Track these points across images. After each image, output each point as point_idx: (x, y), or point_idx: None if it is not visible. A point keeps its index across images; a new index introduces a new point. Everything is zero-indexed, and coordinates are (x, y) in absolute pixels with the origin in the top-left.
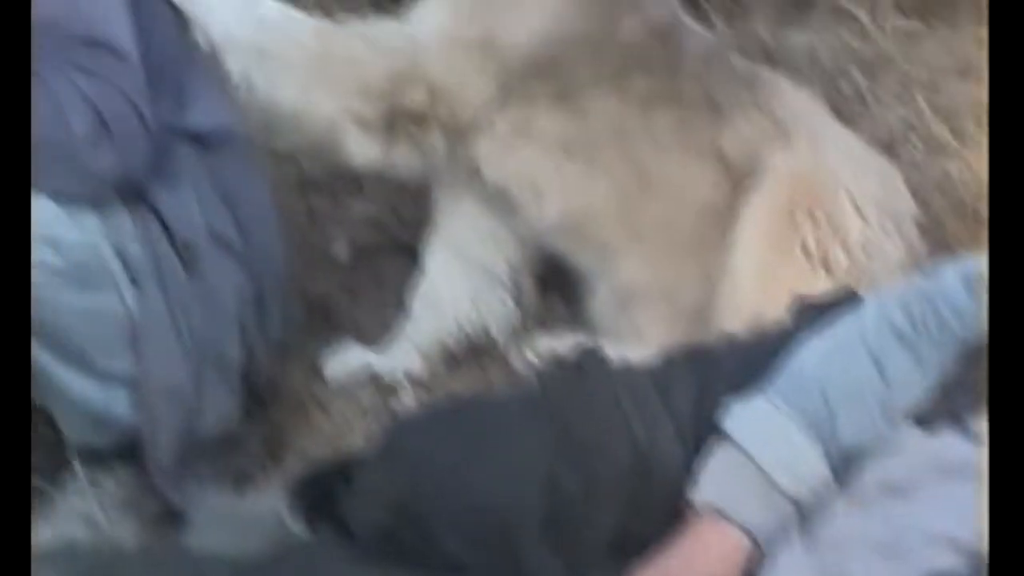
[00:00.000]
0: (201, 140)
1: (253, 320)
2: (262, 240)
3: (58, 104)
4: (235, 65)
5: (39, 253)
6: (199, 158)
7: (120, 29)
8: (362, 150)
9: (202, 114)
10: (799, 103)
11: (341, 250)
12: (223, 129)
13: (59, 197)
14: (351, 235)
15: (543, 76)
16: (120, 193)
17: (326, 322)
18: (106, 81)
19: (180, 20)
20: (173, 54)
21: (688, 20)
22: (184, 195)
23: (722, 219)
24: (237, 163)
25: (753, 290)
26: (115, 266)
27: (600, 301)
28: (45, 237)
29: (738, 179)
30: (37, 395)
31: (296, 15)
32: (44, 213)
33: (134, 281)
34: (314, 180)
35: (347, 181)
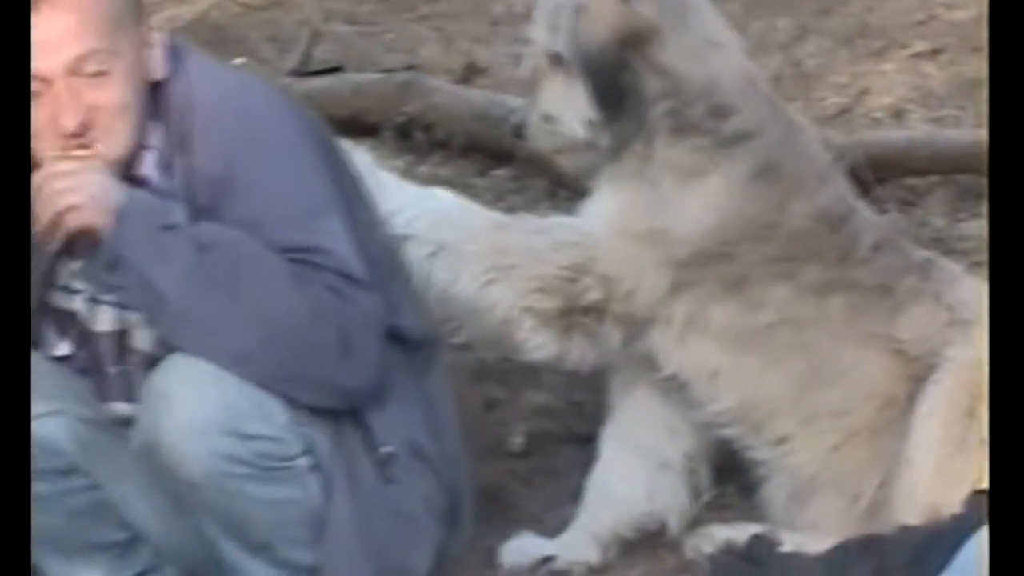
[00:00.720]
0: (407, 344)
1: (440, 529)
2: (453, 448)
3: (315, 308)
4: (414, 258)
5: (227, 446)
6: (405, 364)
7: (360, 264)
8: (538, 342)
9: (410, 318)
10: (974, 292)
11: (517, 440)
12: (425, 332)
13: (273, 397)
14: (527, 425)
15: (714, 266)
16: (348, 407)
17: (502, 512)
18: (354, 306)
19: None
20: (384, 258)
21: (860, 207)
22: (390, 410)
23: (898, 408)
24: (435, 367)
25: (930, 482)
26: (303, 462)
27: (775, 490)
28: (233, 430)
29: (914, 368)
30: None
31: (473, 208)
32: (235, 408)
33: (322, 477)
34: (490, 369)
35: (523, 370)
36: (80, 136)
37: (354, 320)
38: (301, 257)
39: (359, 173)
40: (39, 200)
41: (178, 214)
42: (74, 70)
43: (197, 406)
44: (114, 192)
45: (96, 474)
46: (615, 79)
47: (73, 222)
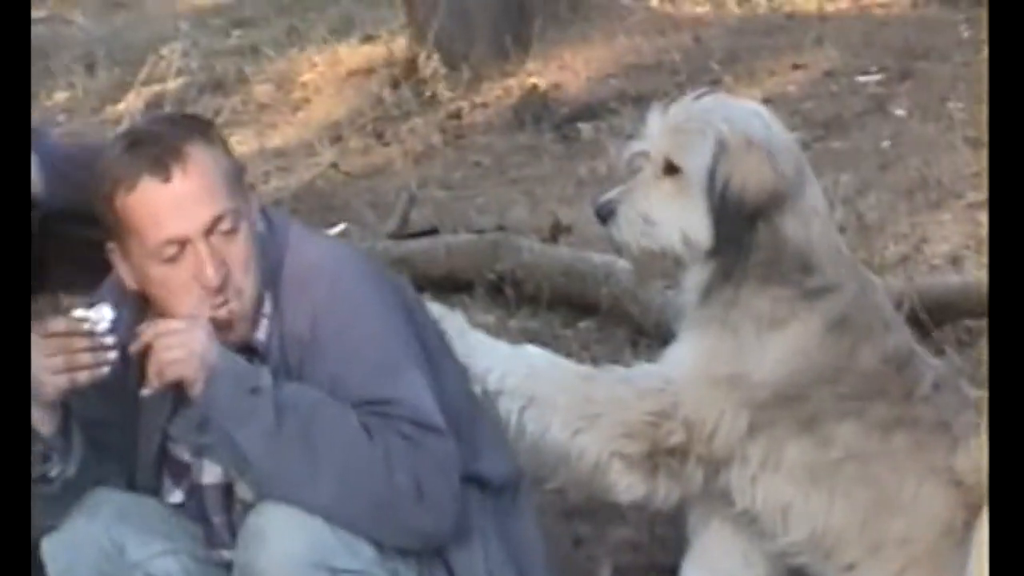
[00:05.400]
0: (489, 488)
1: None
2: None
3: (387, 458)
4: (506, 411)
5: None
6: (487, 508)
7: (436, 413)
8: (627, 484)
9: (491, 463)
10: None
11: (605, 573)
12: (507, 476)
13: (356, 538)
14: (614, 559)
15: (789, 407)
16: (428, 548)
17: None
18: (427, 453)
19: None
20: (465, 408)
21: (920, 351)
22: (473, 549)
23: (957, 536)
24: (520, 511)
25: None
26: None
27: None
28: (323, 564)
29: (971, 497)
30: None
31: (561, 362)
32: (323, 544)
33: None
34: (577, 508)
35: (609, 508)
36: (222, 291)
37: (426, 465)
38: (378, 409)
39: (445, 331)
40: (153, 350)
41: (264, 377)
42: (211, 230)
43: (288, 543)
44: (212, 352)
45: None
46: (741, 226)
47: (172, 373)
